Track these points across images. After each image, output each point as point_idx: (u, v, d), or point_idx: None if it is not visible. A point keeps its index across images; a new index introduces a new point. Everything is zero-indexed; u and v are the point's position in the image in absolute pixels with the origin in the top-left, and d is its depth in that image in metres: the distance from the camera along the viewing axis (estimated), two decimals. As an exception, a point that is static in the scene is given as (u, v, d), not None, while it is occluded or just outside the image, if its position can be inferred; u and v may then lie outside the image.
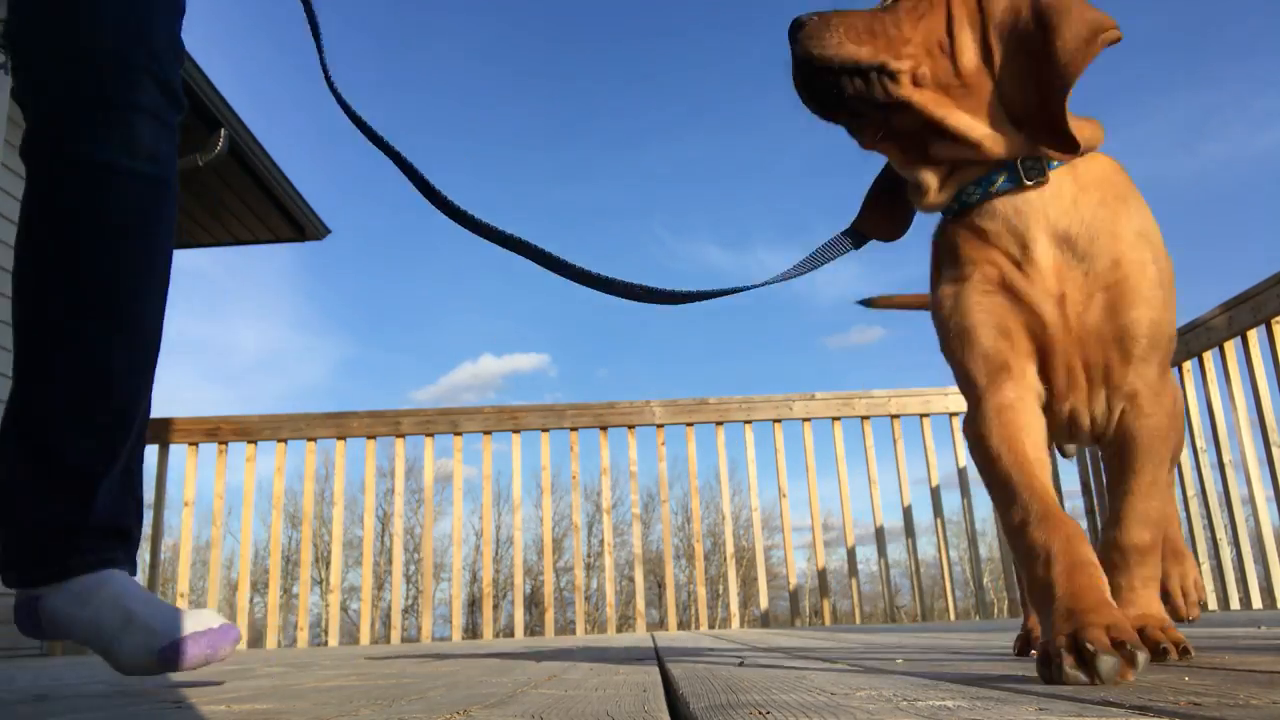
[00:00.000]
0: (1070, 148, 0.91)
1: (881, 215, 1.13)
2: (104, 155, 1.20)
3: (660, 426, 4.50)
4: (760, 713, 0.64)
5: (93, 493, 1.21)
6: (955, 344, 0.97)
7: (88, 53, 1.18)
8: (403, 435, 4.52)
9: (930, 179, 0.99)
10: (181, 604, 4.33)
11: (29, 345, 1.21)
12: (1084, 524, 4.54)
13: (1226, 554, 3.61)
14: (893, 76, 0.95)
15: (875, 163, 1.12)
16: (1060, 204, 0.94)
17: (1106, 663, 0.72)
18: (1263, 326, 3.29)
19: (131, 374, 1.26)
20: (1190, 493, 3.82)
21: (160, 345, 1.31)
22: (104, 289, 1.21)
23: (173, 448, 4.43)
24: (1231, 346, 3.50)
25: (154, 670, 1.15)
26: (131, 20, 1.21)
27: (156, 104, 1.24)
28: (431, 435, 4.49)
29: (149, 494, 4.39)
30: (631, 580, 4.81)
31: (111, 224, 1.22)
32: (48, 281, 1.21)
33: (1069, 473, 4.53)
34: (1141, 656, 0.73)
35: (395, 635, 4.54)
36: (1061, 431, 0.99)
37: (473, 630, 14.04)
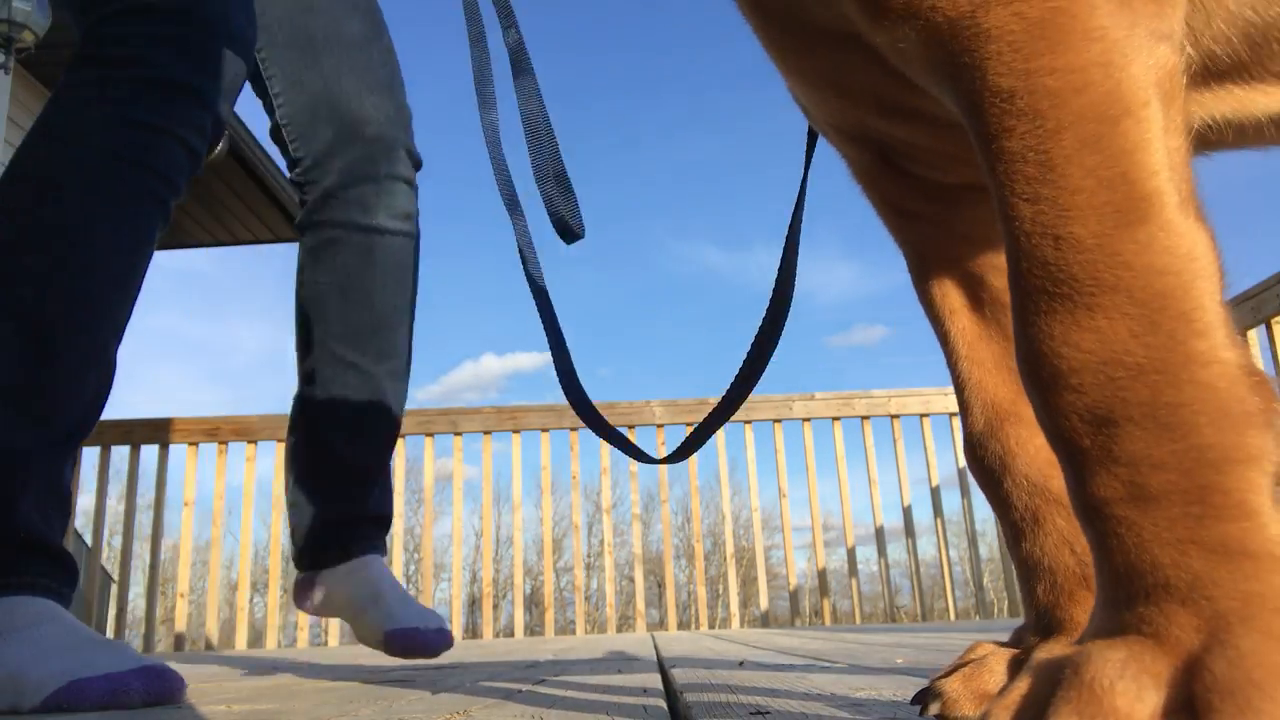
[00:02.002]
0: None
1: None
2: (375, 220, 1.45)
3: (660, 426, 4.49)
4: (760, 713, 0.64)
5: (369, 490, 1.48)
6: None
7: (363, 140, 1.43)
8: (402, 435, 4.52)
9: None
10: (181, 604, 4.34)
11: (321, 375, 1.47)
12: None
13: (1226, 554, 3.61)
14: None
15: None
16: None
17: None
18: (1263, 326, 3.28)
19: (396, 395, 1.51)
20: (1190, 493, 3.82)
21: (411, 366, 1.55)
22: (374, 326, 1.47)
23: (173, 448, 4.43)
24: (1231, 346, 3.51)
25: (379, 648, 1.38)
26: (391, 107, 1.46)
27: (409, 172, 1.49)
28: (431, 435, 4.49)
29: (149, 494, 4.40)
30: (631, 580, 4.81)
31: (378, 274, 1.46)
32: (329, 323, 1.47)
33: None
34: None
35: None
36: None
37: (473, 630, 14.01)
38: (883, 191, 0.63)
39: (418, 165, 1.53)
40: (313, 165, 1.46)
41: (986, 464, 0.57)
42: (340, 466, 1.48)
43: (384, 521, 1.53)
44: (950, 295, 0.61)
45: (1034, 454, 0.55)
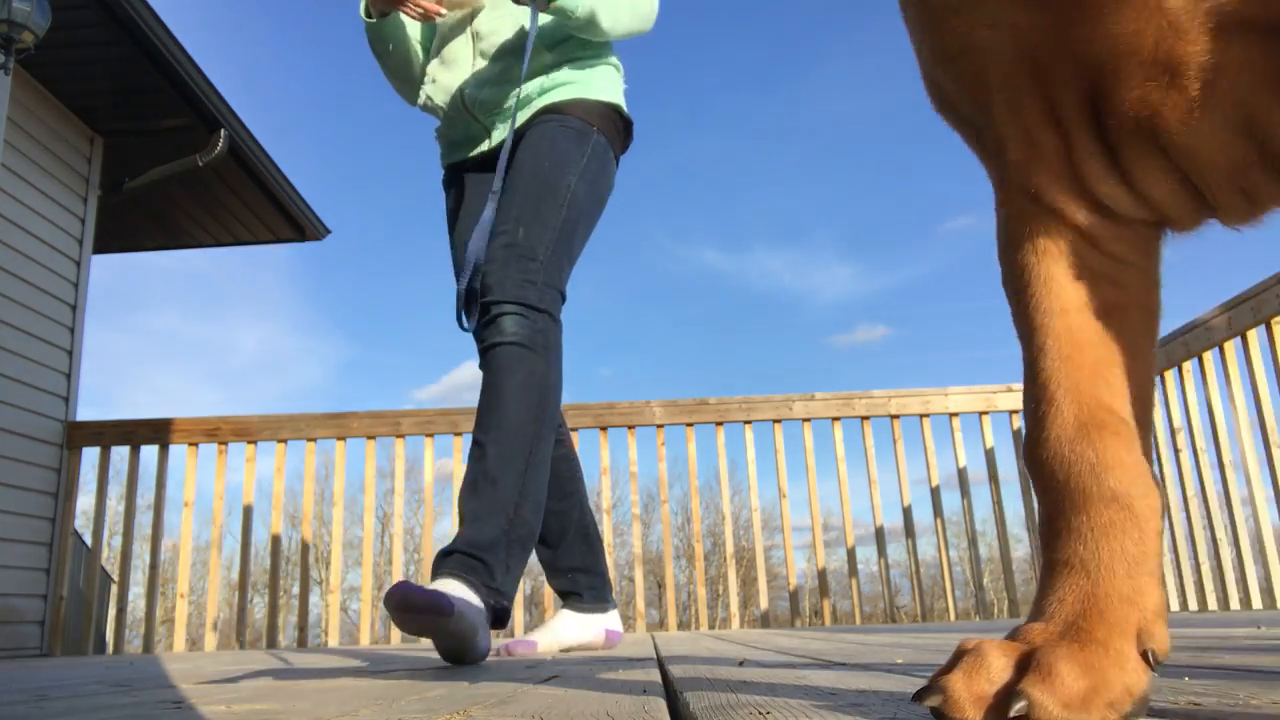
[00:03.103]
0: None
1: None
2: (490, 339, 1.86)
3: (660, 427, 4.49)
4: (760, 713, 0.64)
5: (540, 544, 2.16)
6: None
7: (483, 291, 1.88)
8: (403, 435, 4.52)
9: None
10: (181, 604, 4.34)
11: (493, 455, 1.80)
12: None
13: (1226, 554, 3.61)
14: None
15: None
16: None
17: None
18: (1263, 326, 3.29)
19: (500, 458, 1.80)
20: (1190, 493, 3.82)
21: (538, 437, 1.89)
22: (505, 421, 1.82)
23: (173, 448, 4.43)
24: (1231, 346, 3.50)
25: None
26: (496, 271, 1.88)
27: (514, 306, 1.86)
28: (431, 435, 4.49)
29: (149, 494, 4.41)
30: (631, 580, 4.81)
31: (495, 374, 1.85)
32: (482, 420, 1.84)
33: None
34: None
35: (394, 635, 4.54)
36: None
37: (473, 630, 14.00)
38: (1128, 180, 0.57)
39: (517, 299, 1.87)
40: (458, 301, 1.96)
41: (1071, 465, 0.56)
42: (522, 531, 1.86)
43: (575, 571, 2.33)
44: (1066, 294, 0.59)
45: (1127, 469, 0.55)
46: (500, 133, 2.07)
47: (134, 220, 5.73)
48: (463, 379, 31.42)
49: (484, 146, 2.11)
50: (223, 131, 4.85)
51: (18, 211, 4.44)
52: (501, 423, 1.81)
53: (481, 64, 2.08)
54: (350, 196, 35.17)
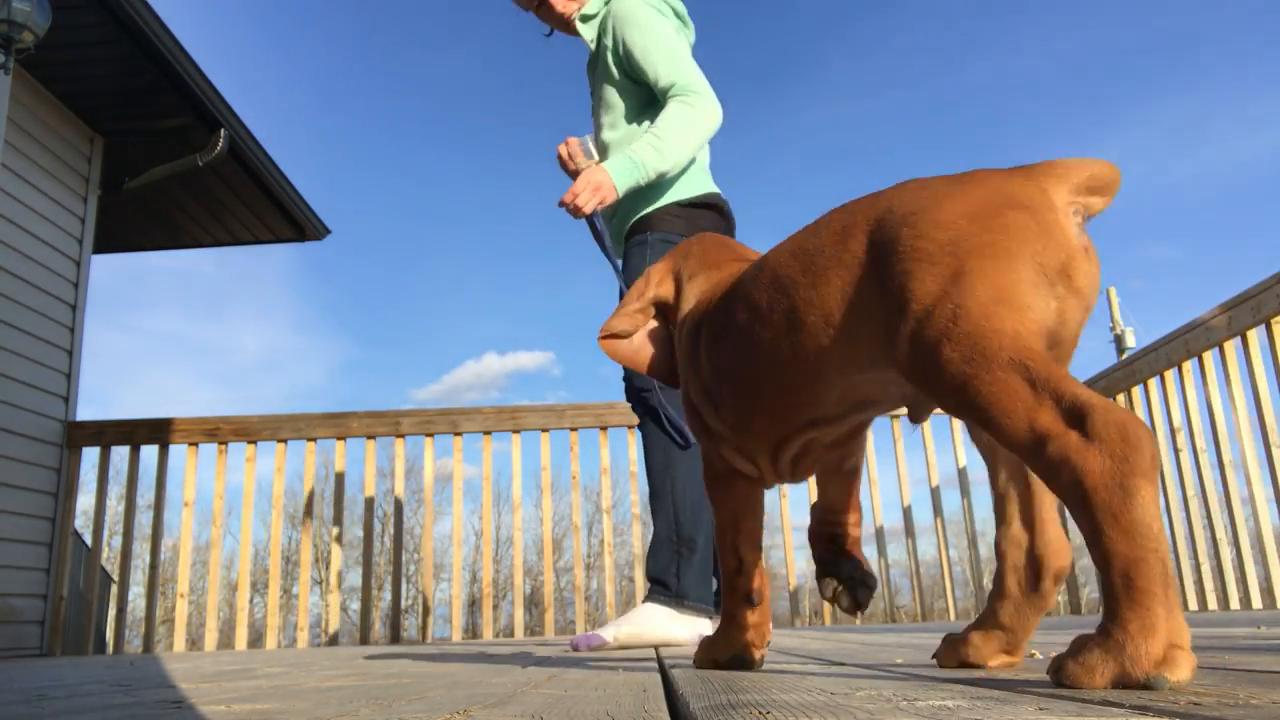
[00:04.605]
0: None
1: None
2: (642, 429, 2.43)
3: (660, 426, 4.49)
4: (760, 713, 0.64)
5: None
6: None
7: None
8: (403, 435, 4.52)
9: None
10: (181, 604, 4.34)
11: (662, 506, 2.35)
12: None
13: (1226, 554, 3.61)
14: None
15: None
16: None
17: None
18: (1263, 326, 3.28)
19: (658, 544, 2.34)
20: (1190, 493, 3.82)
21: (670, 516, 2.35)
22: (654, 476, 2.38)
23: (173, 448, 4.43)
24: (1231, 346, 3.50)
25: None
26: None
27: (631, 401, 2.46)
28: (431, 435, 4.49)
29: (149, 494, 4.41)
30: (631, 580, 4.81)
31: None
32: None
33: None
34: None
35: (395, 635, 4.54)
36: None
37: (473, 630, 14.02)
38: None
39: (630, 395, 2.44)
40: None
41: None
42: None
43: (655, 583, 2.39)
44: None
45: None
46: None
47: (134, 220, 5.73)
48: (463, 379, 31.45)
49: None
50: (223, 131, 4.85)
51: (18, 211, 4.44)
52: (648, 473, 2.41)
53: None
54: (351, 196, 35.17)
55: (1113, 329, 18.32)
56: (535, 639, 4.35)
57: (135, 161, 5.09)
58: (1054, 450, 0.71)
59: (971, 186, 0.84)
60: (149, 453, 4.45)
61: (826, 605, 4.64)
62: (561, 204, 2.30)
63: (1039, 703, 0.63)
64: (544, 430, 4.47)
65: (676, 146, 2.30)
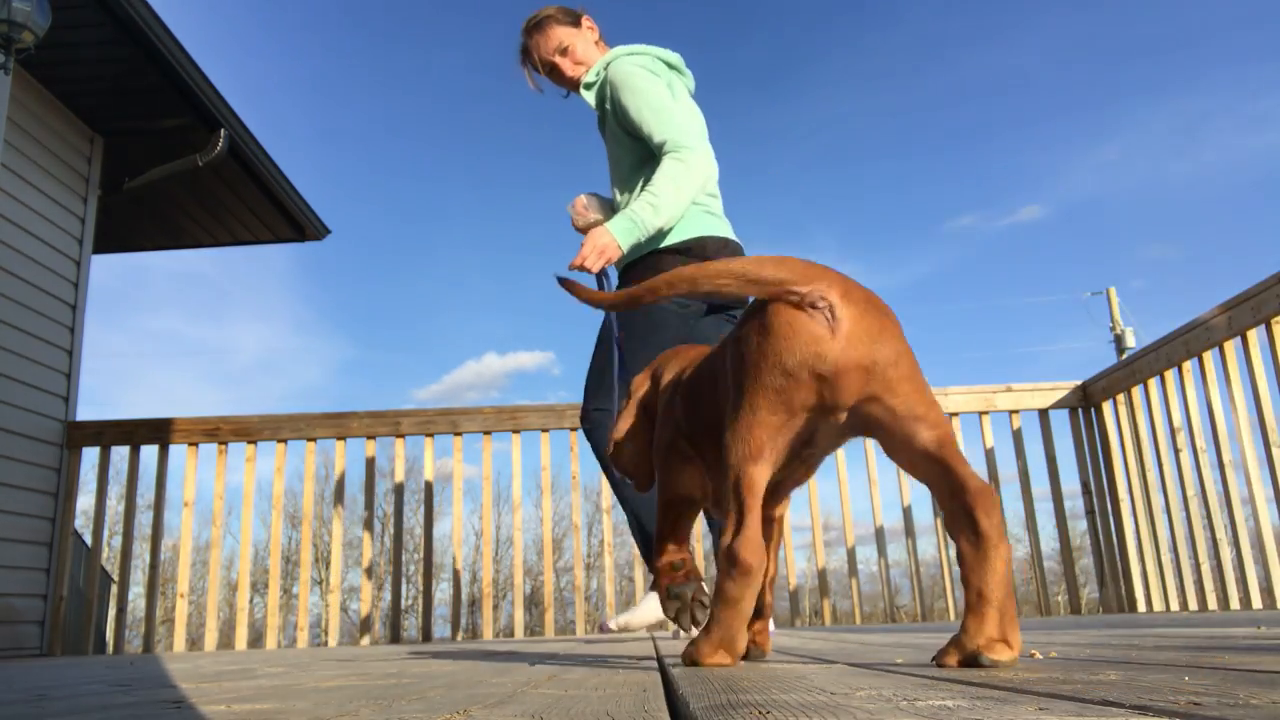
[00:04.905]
0: None
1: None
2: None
3: (660, 426, 4.48)
4: (760, 713, 0.64)
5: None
6: None
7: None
8: (403, 435, 4.52)
9: None
10: (181, 604, 4.34)
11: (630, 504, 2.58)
12: (1083, 524, 4.54)
13: (1226, 554, 3.61)
14: None
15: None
16: None
17: None
18: (1263, 326, 3.28)
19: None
20: (1190, 493, 3.82)
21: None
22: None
23: (173, 448, 4.43)
24: (1231, 346, 3.50)
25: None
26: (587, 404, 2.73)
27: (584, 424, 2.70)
28: (431, 435, 4.49)
29: (149, 494, 4.41)
30: (631, 580, 4.81)
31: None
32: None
33: (1069, 472, 4.52)
34: None
35: (395, 635, 4.54)
36: None
37: (473, 630, 14.02)
38: None
39: (583, 419, 2.70)
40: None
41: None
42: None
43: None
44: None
45: None
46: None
47: (134, 220, 5.73)
48: (463, 379, 31.45)
49: None
50: (223, 131, 4.85)
51: (18, 211, 4.44)
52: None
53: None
54: (350, 196, 35.17)
55: (1113, 329, 18.32)
56: (535, 639, 4.35)
57: (135, 161, 5.09)
58: None
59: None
60: (149, 453, 4.45)
61: (826, 604, 4.64)
62: (571, 268, 2.49)
63: (1039, 703, 0.63)
64: (544, 430, 4.47)
65: (671, 201, 2.50)
